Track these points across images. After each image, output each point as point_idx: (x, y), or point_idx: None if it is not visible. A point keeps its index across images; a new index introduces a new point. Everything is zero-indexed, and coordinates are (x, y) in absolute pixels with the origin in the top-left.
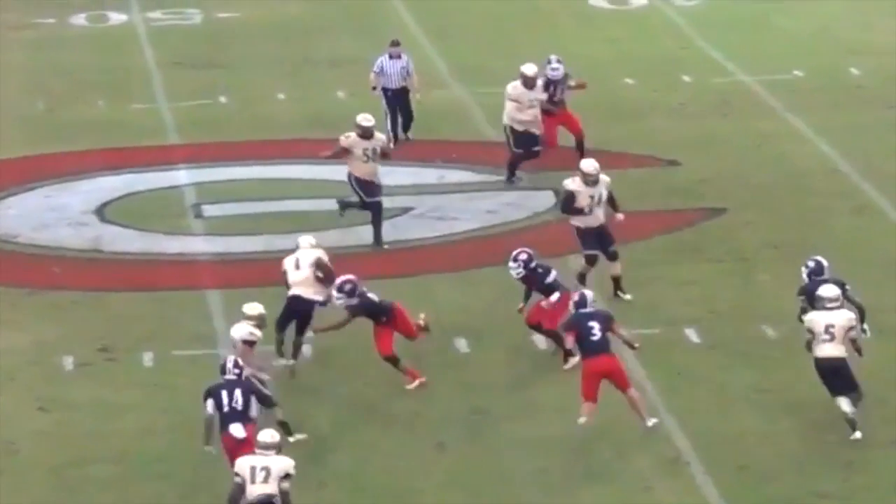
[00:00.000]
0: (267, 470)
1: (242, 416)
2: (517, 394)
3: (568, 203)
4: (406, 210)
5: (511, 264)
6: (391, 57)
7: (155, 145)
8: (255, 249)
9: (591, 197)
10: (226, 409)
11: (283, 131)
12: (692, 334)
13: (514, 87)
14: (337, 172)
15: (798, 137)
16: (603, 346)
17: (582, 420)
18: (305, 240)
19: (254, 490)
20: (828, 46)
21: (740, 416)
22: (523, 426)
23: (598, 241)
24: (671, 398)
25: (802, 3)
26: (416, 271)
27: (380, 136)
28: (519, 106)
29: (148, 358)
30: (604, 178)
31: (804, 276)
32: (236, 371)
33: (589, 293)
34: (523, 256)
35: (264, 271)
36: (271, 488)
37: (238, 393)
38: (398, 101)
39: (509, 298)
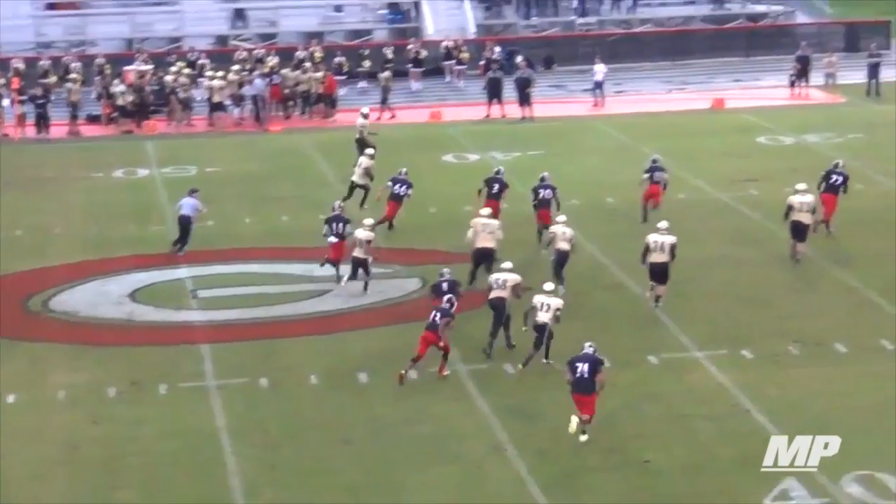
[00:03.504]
0: (548, 305)
1: (342, 236)
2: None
3: None
4: (327, 291)
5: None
6: (190, 196)
7: (166, 253)
8: (232, 318)
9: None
10: (335, 230)
11: (248, 243)
12: (509, 367)
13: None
14: (277, 269)
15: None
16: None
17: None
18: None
19: (540, 317)
20: (593, 185)
21: (543, 405)
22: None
23: None
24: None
25: (577, 156)
26: (337, 329)
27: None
28: None
29: (163, 388)
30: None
31: None
32: (339, 209)
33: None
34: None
35: (241, 331)
36: (548, 317)
37: (342, 224)
38: (188, 221)
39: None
